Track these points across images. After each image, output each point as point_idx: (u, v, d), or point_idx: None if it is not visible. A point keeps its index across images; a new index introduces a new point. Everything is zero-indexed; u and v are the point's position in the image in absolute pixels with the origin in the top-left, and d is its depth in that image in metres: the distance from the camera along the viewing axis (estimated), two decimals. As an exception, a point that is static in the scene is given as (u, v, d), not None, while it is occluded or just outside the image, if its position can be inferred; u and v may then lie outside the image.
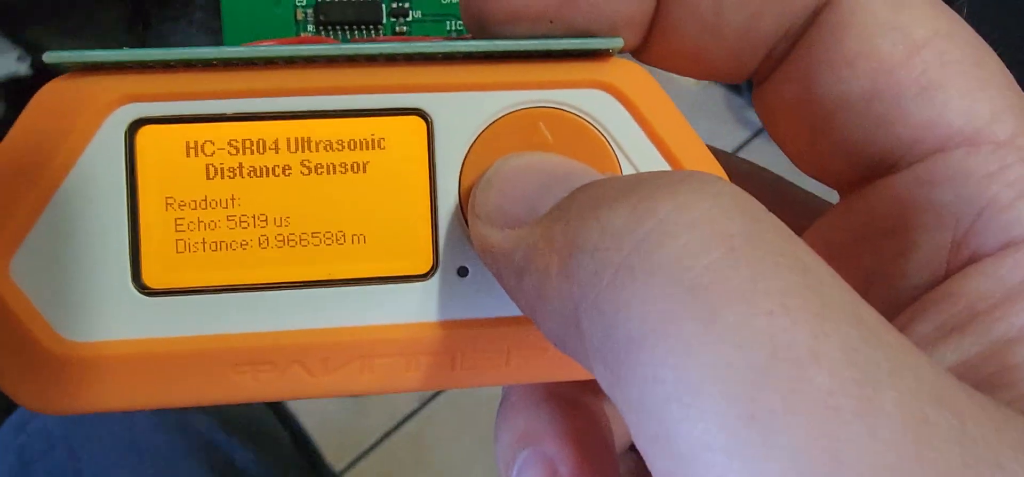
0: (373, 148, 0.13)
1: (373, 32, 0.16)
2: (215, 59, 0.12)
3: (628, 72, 0.13)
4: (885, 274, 0.13)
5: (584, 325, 0.09)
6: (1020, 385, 0.11)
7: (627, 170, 0.13)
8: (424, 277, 0.13)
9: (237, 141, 0.13)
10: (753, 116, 0.73)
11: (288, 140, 0.13)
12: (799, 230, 0.15)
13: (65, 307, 0.12)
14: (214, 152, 0.13)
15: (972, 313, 0.12)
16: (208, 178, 0.13)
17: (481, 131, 0.13)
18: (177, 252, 0.13)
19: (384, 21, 0.16)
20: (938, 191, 0.13)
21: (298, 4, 0.16)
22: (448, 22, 0.16)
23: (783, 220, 0.10)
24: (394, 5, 0.16)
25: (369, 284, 0.13)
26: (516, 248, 0.11)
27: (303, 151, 0.13)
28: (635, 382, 0.09)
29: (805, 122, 0.14)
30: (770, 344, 0.08)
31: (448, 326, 0.13)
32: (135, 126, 0.12)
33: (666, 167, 0.13)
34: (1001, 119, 0.13)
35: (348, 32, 0.16)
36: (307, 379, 0.13)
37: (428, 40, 0.14)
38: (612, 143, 0.13)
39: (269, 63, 0.13)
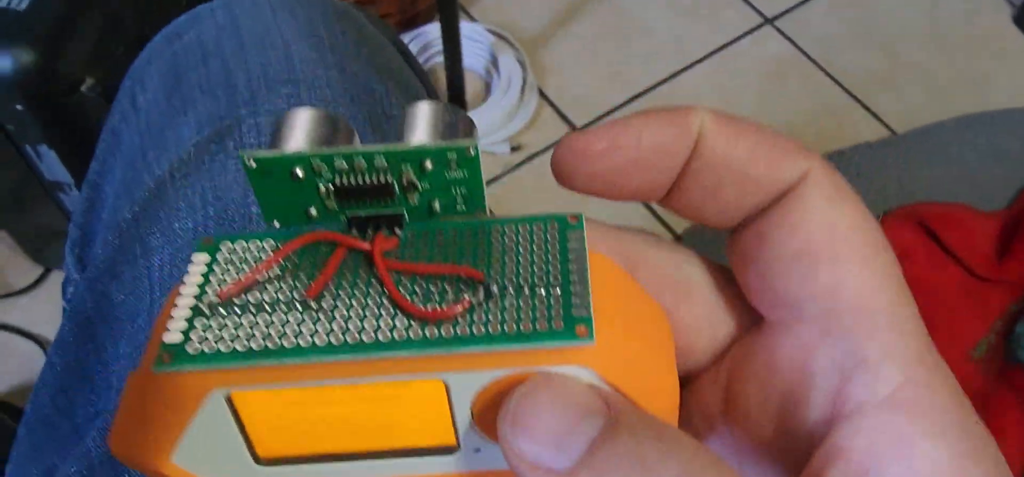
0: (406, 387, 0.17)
1: (389, 201, 0.18)
2: (288, 365, 0.16)
3: (605, 356, 0.17)
4: (796, 407, 0.18)
5: None
6: None
7: None
8: (452, 450, 0.19)
9: (303, 401, 0.17)
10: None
11: (345, 395, 0.17)
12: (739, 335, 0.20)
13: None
14: (292, 403, 0.17)
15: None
16: (286, 409, 0.17)
17: (487, 384, 0.17)
18: (274, 439, 0.18)
19: (397, 193, 0.18)
20: (830, 342, 0.18)
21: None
22: (453, 188, 0.18)
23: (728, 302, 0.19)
24: (404, 182, 0.18)
25: (414, 455, 0.19)
26: None
27: (355, 398, 0.17)
28: None
29: (753, 265, 0.19)
30: None
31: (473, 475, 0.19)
32: (229, 396, 0.17)
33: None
34: (881, 292, 0.18)
35: (367, 201, 0.18)
36: None
37: (445, 332, 0.17)
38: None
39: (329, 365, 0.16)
